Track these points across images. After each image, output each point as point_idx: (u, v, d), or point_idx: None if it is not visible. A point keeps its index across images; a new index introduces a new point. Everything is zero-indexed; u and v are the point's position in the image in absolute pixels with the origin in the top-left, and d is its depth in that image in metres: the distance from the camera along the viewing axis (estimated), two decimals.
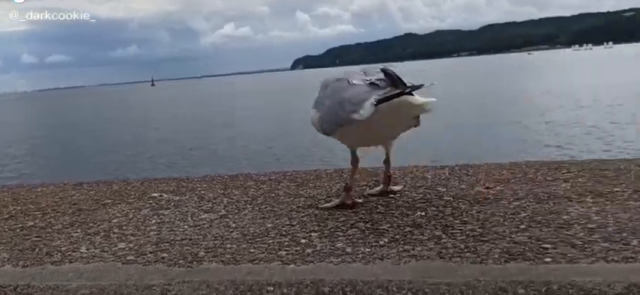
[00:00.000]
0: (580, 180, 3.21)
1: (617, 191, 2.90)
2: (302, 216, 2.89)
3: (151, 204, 3.45)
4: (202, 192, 3.68)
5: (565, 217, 2.53)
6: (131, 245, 2.64)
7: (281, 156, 19.00)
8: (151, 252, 2.50)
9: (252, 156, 19.47)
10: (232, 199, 3.41)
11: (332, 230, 2.61)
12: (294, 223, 2.77)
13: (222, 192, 3.63)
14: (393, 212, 2.84)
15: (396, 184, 3.35)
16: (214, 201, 3.38)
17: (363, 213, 2.85)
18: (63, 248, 2.66)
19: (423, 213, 2.76)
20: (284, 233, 2.62)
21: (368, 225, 2.64)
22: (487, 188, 3.19)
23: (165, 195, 3.64)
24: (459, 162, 4.01)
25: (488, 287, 1.88)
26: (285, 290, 2.02)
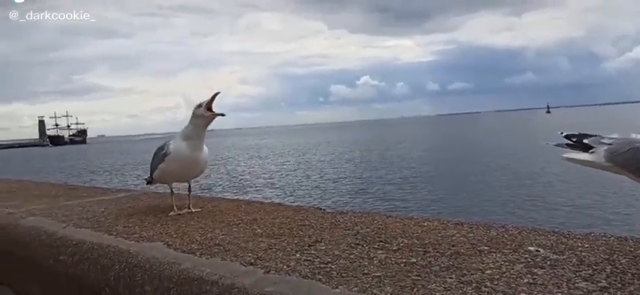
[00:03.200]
0: None
1: None
2: None
3: (526, 259, 3.37)
4: (583, 253, 3.38)
5: None
6: None
7: None
8: None
9: None
10: (617, 269, 3.03)
11: None
12: None
13: (605, 257, 3.27)
14: None
15: None
16: (596, 268, 3.07)
17: None
18: (436, 294, 2.85)
19: None
20: None
21: None
22: None
23: (541, 251, 3.49)
24: None
25: None
26: None
